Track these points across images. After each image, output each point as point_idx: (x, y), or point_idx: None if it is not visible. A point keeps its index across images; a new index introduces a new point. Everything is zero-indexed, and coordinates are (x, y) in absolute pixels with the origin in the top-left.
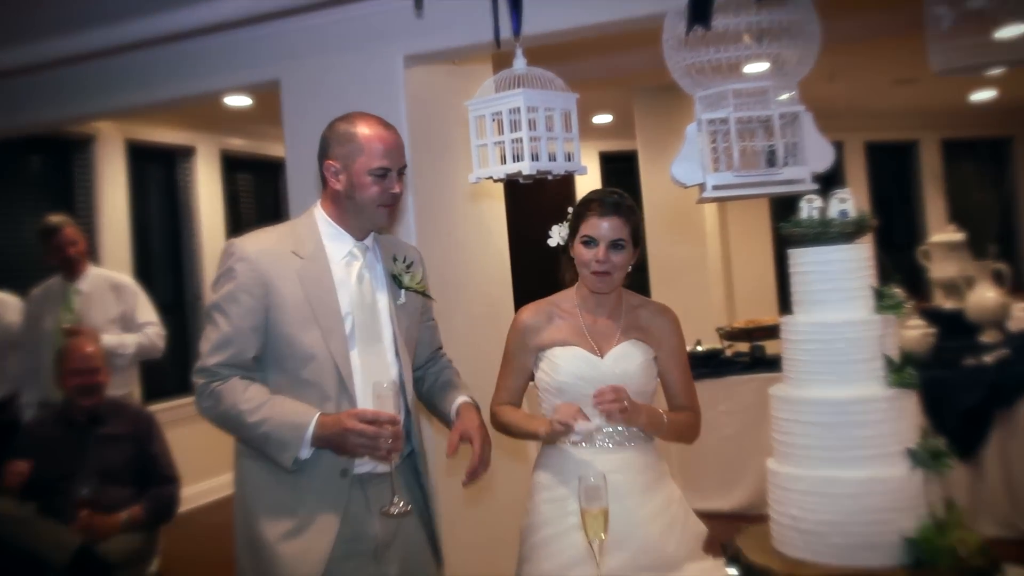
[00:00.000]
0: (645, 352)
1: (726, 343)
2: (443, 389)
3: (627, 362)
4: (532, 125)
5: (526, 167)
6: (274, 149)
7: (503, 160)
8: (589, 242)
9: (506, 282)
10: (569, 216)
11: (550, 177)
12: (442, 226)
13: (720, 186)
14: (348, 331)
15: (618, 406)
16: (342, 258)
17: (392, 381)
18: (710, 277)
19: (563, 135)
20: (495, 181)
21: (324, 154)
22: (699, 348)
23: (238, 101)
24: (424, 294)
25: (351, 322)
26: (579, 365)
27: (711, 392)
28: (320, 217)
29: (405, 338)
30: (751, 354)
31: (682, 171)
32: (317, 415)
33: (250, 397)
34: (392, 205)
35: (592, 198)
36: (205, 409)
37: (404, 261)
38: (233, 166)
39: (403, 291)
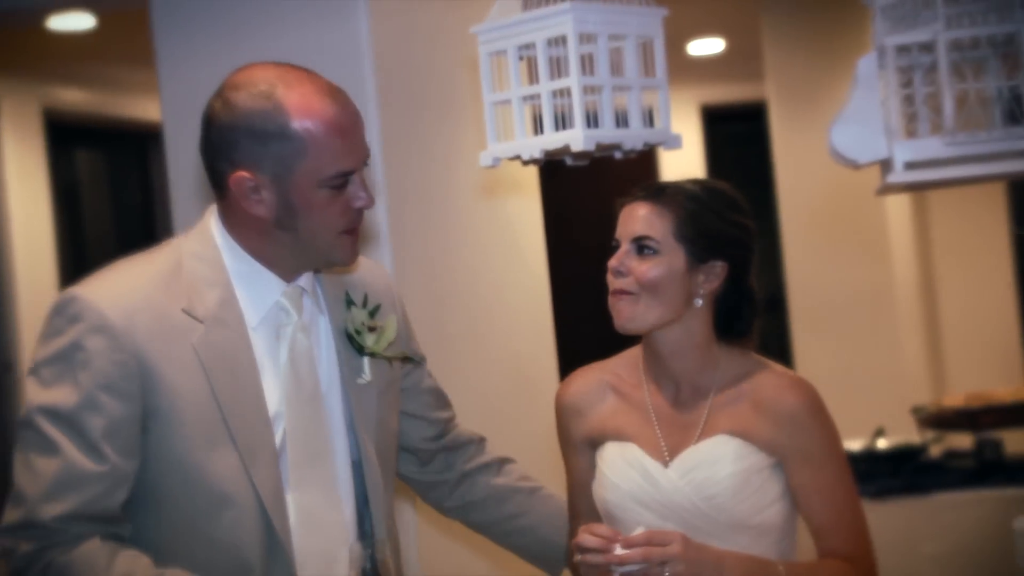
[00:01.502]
0: (745, 456)
1: (930, 434)
2: (526, 507)
3: (707, 474)
4: (587, 66)
5: (578, 138)
6: (139, 107)
7: (538, 127)
8: (613, 248)
9: (545, 330)
10: None
11: (618, 155)
12: (434, 241)
13: (919, 163)
14: (279, 445)
15: (656, 556)
16: (263, 316)
17: (353, 542)
18: (900, 320)
19: (640, 82)
20: (525, 163)
21: (225, 156)
22: (880, 443)
23: (70, 22)
24: (406, 359)
25: (282, 432)
26: (631, 478)
27: (905, 520)
28: (224, 245)
29: (375, 439)
30: (977, 454)
31: (850, 139)
32: None
33: (123, 575)
34: (358, 227)
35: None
36: None
37: (364, 304)
38: (66, 136)
39: (365, 359)
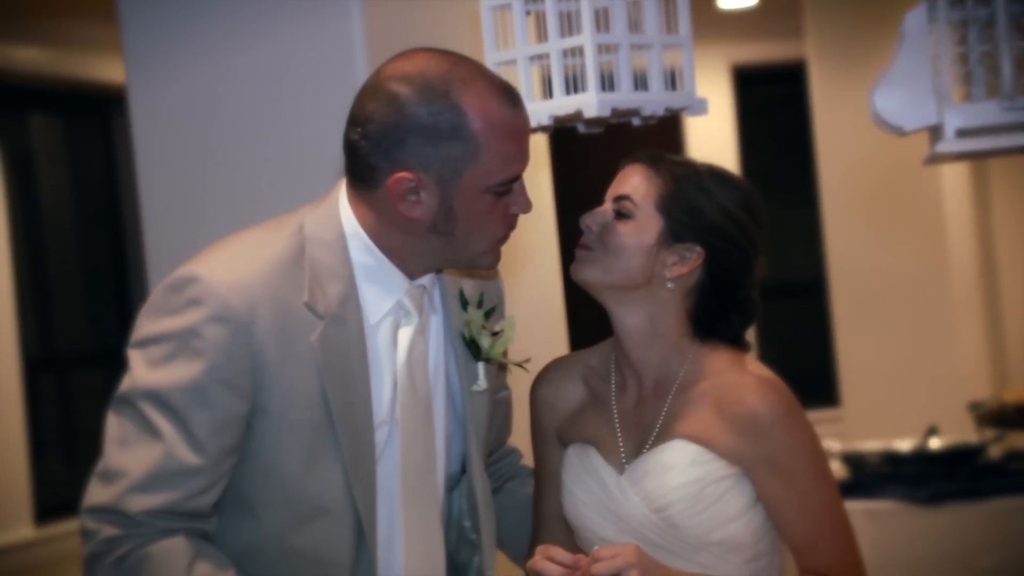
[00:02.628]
0: (701, 464)
1: (990, 433)
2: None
3: (656, 483)
4: (602, 22)
5: (592, 102)
6: (100, 67)
7: (547, 91)
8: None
9: (556, 314)
10: None
11: (636, 121)
12: None
13: (973, 129)
14: (378, 454)
15: (605, 568)
16: (383, 315)
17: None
18: (956, 307)
19: (661, 39)
20: (533, 131)
21: (387, 154)
22: (933, 443)
23: None
24: (519, 364)
25: (384, 439)
26: (587, 487)
27: (960, 529)
28: (352, 234)
29: (481, 447)
30: None
31: (895, 102)
32: None
33: None
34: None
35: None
36: None
37: (479, 304)
38: (19, 99)
39: (481, 365)
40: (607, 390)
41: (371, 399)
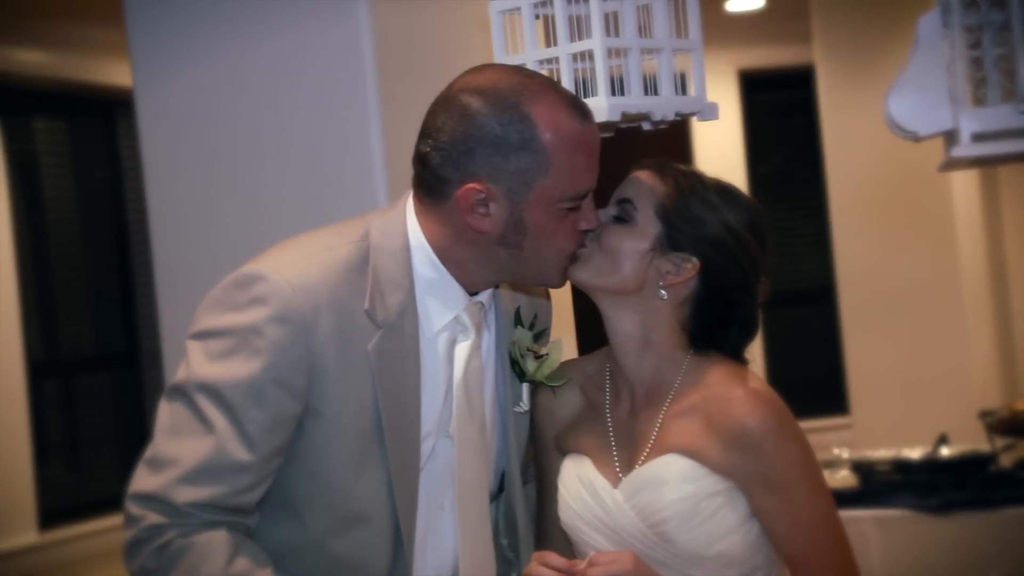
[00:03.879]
0: (695, 479)
1: (1001, 441)
2: None
3: (651, 498)
4: (612, 26)
5: (602, 107)
6: (105, 70)
7: None
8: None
9: (564, 314)
10: None
11: (646, 126)
12: None
13: (988, 134)
14: (422, 466)
15: (601, 572)
16: (439, 329)
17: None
18: (967, 313)
19: (671, 43)
20: None
21: (457, 165)
22: (944, 452)
23: None
24: (555, 385)
25: (428, 452)
26: (581, 498)
27: (971, 538)
28: (416, 245)
29: (519, 471)
30: None
31: (909, 107)
32: None
33: (240, 574)
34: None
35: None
36: (141, 574)
37: (531, 327)
38: (23, 102)
39: (525, 386)
40: (602, 399)
41: (421, 410)
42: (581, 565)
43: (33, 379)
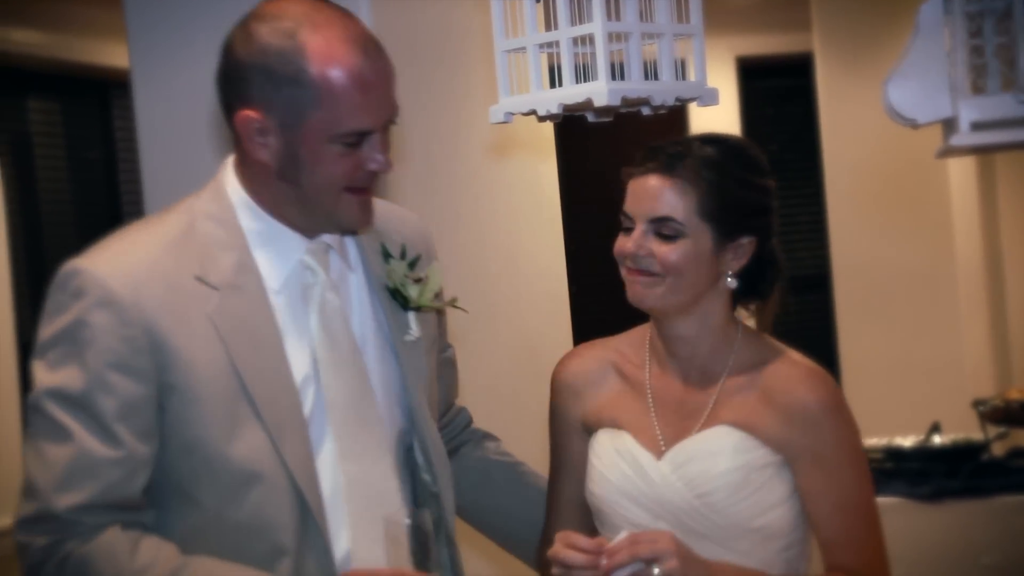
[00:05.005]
0: (746, 451)
1: (993, 430)
2: (504, 491)
3: (701, 468)
4: (613, 10)
5: (602, 91)
6: (100, 51)
7: (555, 79)
8: (626, 227)
9: (560, 305)
10: None
11: (646, 111)
12: (438, 205)
13: (988, 123)
14: (308, 414)
15: (645, 552)
16: (286, 277)
17: (403, 508)
18: (961, 303)
19: (672, 28)
20: (541, 119)
21: (236, 91)
22: (936, 440)
23: None
24: (451, 304)
25: (312, 397)
26: (620, 471)
27: (962, 526)
28: (239, 202)
29: (428, 400)
30: None
31: (909, 95)
32: None
33: (146, 565)
34: (369, 188)
35: (656, 144)
36: None
37: (403, 256)
38: (17, 82)
39: (411, 314)
40: (642, 376)
41: (287, 361)
42: (609, 543)
43: (24, 361)
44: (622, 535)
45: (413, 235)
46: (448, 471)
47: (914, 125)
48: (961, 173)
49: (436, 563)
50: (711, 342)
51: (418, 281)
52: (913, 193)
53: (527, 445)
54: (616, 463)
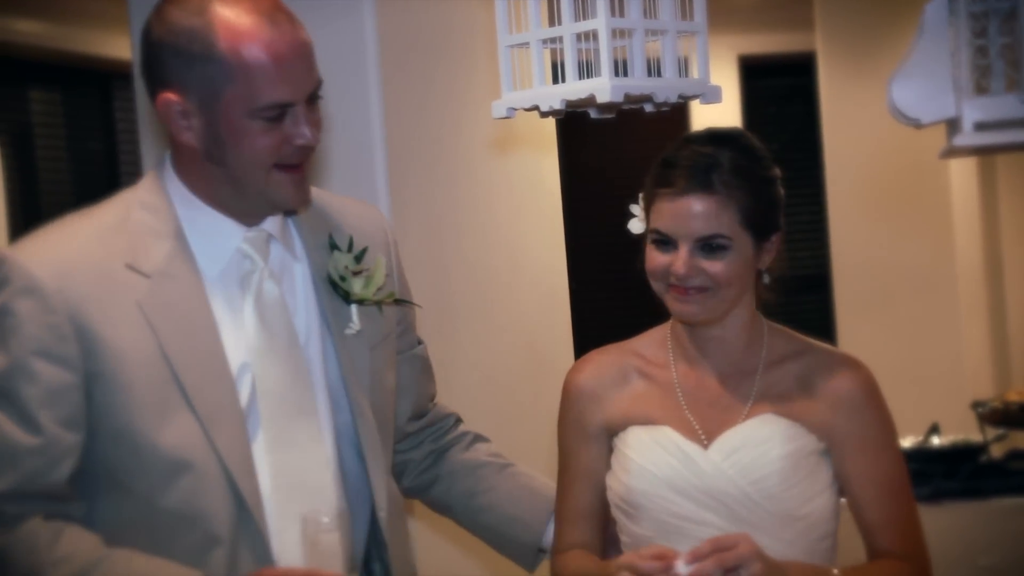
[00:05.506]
0: (795, 438)
1: (992, 432)
2: (499, 488)
3: (754, 455)
4: (617, 6)
5: (605, 87)
6: (102, 42)
7: (558, 75)
8: (661, 241)
9: (560, 301)
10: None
11: (648, 108)
12: (439, 201)
13: (991, 123)
14: (246, 404)
15: (731, 560)
16: (223, 266)
17: (336, 507)
18: (961, 304)
19: (675, 25)
20: (543, 115)
21: (155, 75)
22: (935, 441)
23: None
24: (399, 301)
25: (249, 387)
26: (666, 463)
27: (961, 528)
28: (175, 191)
29: (370, 396)
30: None
31: (913, 94)
32: None
33: (65, 556)
34: (301, 165)
35: (668, 157)
36: None
37: (349, 248)
38: (18, 72)
39: (353, 307)
40: (668, 376)
41: (222, 349)
42: (673, 553)
43: None
44: (697, 544)
45: (365, 227)
46: (381, 461)
47: (918, 125)
48: (962, 174)
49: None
50: (745, 338)
51: (358, 274)
52: (914, 193)
53: (525, 438)
54: (660, 455)
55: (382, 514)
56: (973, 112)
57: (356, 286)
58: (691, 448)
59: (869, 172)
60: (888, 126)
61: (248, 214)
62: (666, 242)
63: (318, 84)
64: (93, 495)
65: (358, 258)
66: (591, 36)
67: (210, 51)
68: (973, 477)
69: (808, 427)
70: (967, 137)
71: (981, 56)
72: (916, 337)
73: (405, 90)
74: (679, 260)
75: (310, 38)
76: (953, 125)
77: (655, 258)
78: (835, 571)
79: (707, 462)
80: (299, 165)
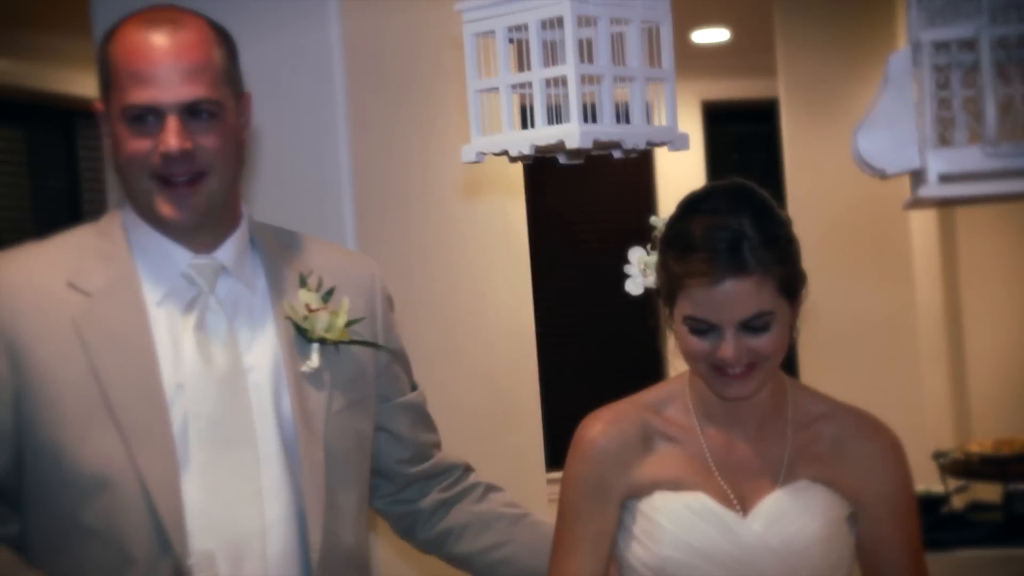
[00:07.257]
0: (833, 505)
1: (954, 483)
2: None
3: (797, 526)
4: (586, 53)
5: (574, 133)
6: (65, 80)
7: (527, 120)
8: (700, 329)
9: (527, 343)
10: (654, 239)
11: (617, 154)
12: (408, 244)
13: (955, 175)
14: (179, 429)
15: None
16: (168, 291)
17: (260, 541)
18: (922, 353)
19: (644, 72)
20: (512, 160)
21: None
22: None
23: None
24: (370, 344)
25: (183, 412)
26: (702, 532)
27: None
28: (127, 218)
29: (327, 436)
30: (1006, 507)
31: (879, 145)
32: None
33: None
34: (170, 177)
35: (687, 237)
36: None
37: (318, 287)
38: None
39: (315, 346)
40: (695, 437)
41: (158, 372)
42: None
43: None
44: None
45: (352, 273)
46: (320, 490)
47: (883, 175)
48: (923, 223)
49: None
50: (774, 400)
51: (314, 312)
52: (875, 241)
53: (491, 479)
54: (695, 523)
55: (315, 555)
56: (938, 164)
57: (319, 326)
58: (729, 516)
59: (831, 219)
60: (850, 173)
61: (182, 236)
62: (704, 330)
63: (192, 94)
64: (21, 511)
65: (325, 298)
66: (560, 81)
67: (103, 56)
68: (934, 529)
69: (841, 493)
70: (931, 189)
71: (944, 108)
72: (877, 386)
73: (373, 133)
74: (727, 346)
75: (210, 50)
76: (917, 176)
77: (694, 344)
78: None
79: (748, 532)
80: (175, 179)
